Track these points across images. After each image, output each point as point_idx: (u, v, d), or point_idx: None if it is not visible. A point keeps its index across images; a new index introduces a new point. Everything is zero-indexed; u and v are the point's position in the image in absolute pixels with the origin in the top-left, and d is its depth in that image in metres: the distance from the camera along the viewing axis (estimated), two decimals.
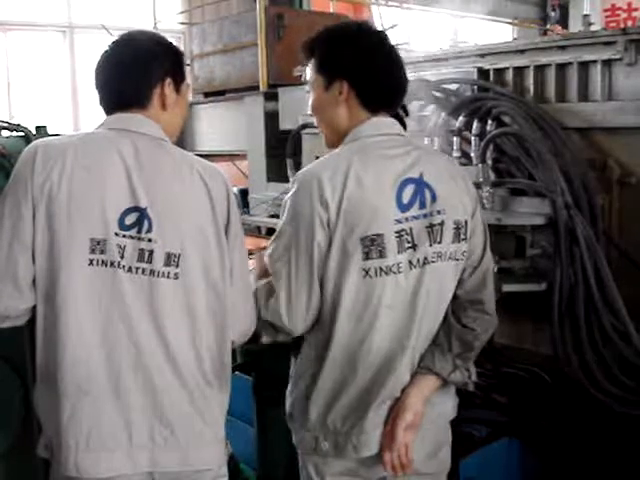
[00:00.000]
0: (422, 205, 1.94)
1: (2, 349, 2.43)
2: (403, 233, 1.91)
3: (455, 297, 2.05)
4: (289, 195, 1.96)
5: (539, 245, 3.22)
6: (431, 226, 1.94)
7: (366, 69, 1.98)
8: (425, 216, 1.94)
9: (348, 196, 1.86)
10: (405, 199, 1.92)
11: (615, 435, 2.93)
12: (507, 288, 3.05)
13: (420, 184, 1.94)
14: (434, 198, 1.95)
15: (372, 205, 1.88)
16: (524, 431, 3.18)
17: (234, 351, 3.58)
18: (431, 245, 1.94)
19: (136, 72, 1.95)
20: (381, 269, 1.89)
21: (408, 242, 1.91)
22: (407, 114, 2.75)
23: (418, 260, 1.92)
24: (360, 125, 1.98)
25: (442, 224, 1.95)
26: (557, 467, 3.09)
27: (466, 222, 1.99)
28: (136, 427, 1.87)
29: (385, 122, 2.01)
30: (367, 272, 1.89)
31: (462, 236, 1.99)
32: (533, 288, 3.07)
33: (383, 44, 2.02)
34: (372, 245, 1.87)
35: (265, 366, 3.44)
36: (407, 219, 1.91)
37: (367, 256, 1.88)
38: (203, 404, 1.96)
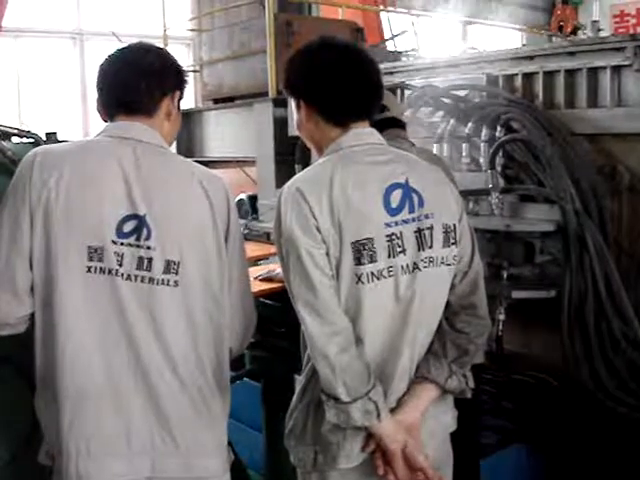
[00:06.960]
0: (411, 209, 1.93)
1: (8, 352, 2.44)
2: (394, 237, 1.89)
3: (447, 303, 2.03)
4: (275, 211, 1.93)
5: (548, 252, 3.21)
6: (419, 230, 1.92)
7: (318, 88, 1.97)
8: (414, 220, 1.92)
9: (334, 203, 1.85)
10: (394, 203, 1.91)
11: (624, 441, 2.91)
12: (516, 295, 3.04)
13: (407, 189, 1.93)
14: (421, 202, 1.93)
15: (360, 210, 1.87)
16: (534, 438, 3.17)
17: (242, 357, 3.60)
18: (422, 250, 1.92)
19: (152, 80, 1.96)
20: (373, 274, 1.87)
21: (399, 246, 1.89)
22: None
23: (408, 265, 1.91)
24: (339, 137, 1.97)
25: (431, 228, 1.93)
26: (566, 473, 3.08)
27: (454, 226, 1.98)
28: (136, 432, 1.87)
29: (364, 132, 2.00)
30: (359, 278, 1.86)
31: (452, 240, 1.97)
32: (542, 295, 3.06)
33: (341, 58, 1.96)
34: (363, 250, 1.86)
35: (274, 372, 3.44)
36: (397, 223, 1.90)
37: (359, 261, 1.86)
38: (204, 410, 1.95)
